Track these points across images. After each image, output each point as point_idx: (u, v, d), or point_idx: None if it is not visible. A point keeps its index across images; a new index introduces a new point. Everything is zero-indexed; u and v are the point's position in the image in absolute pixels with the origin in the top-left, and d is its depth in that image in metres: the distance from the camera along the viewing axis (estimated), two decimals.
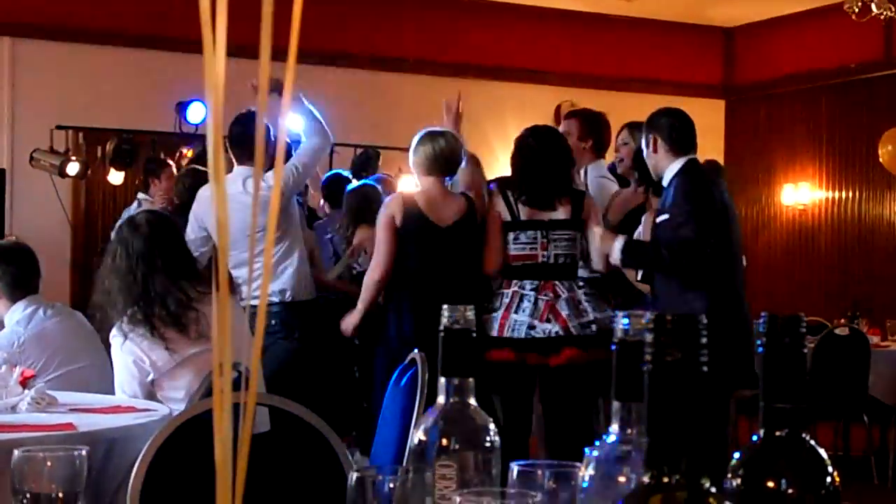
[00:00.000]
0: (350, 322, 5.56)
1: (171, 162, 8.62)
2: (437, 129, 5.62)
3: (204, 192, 5.97)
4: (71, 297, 9.69)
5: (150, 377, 3.89)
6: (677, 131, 5.13)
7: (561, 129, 6.22)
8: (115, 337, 3.94)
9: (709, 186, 5.10)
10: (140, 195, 8.33)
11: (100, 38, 10.04)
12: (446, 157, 5.45)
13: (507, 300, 5.36)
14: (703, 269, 4.96)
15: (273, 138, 6.25)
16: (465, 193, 5.54)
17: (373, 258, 5.51)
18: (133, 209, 8.00)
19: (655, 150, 5.15)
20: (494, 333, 5.32)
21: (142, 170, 8.80)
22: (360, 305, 5.50)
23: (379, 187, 7.20)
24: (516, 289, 5.36)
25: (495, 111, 11.45)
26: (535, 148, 5.47)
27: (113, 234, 4.26)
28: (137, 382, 3.91)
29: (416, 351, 3.50)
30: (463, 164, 5.62)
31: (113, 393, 4.29)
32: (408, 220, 5.36)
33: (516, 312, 5.30)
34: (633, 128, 5.92)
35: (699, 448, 0.86)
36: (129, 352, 3.90)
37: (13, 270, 4.49)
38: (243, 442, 0.85)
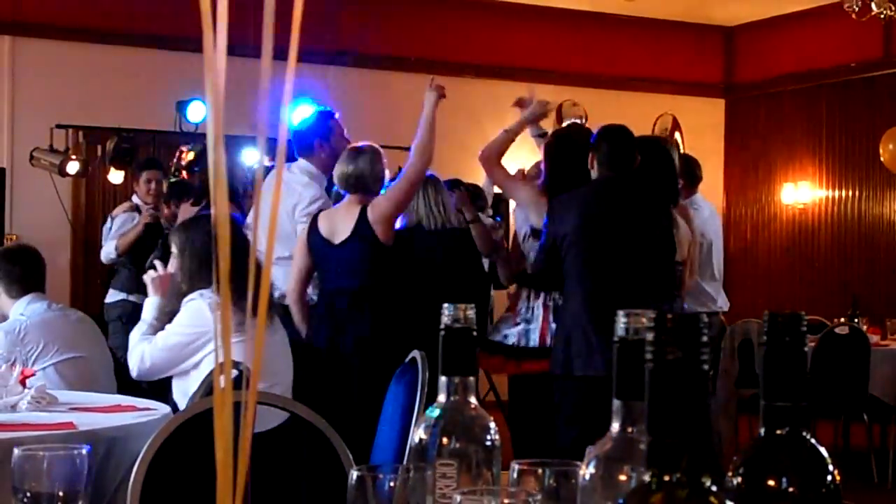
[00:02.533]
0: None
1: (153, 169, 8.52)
2: (361, 146, 5.59)
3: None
4: (71, 296, 9.70)
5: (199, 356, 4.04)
6: (610, 154, 5.17)
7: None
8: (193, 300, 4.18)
9: (557, 214, 5.17)
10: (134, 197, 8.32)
11: (100, 37, 10.04)
12: (357, 177, 5.39)
13: (540, 311, 5.39)
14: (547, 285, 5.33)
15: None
16: (365, 206, 5.52)
17: None
18: (119, 213, 8.06)
19: (592, 167, 5.21)
20: (535, 344, 5.35)
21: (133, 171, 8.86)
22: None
23: None
24: (546, 299, 5.40)
25: (496, 110, 11.44)
26: (563, 155, 5.52)
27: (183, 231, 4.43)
28: (183, 346, 4.11)
29: (416, 352, 3.50)
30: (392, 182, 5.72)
31: (109, 388, 4.34)
32: (311, 238, 5.42)
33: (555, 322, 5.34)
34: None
35: (700, 446, 0.86)
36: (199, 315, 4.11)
37: (17, 272, 4.59)
38: (244, 441, 0.85)
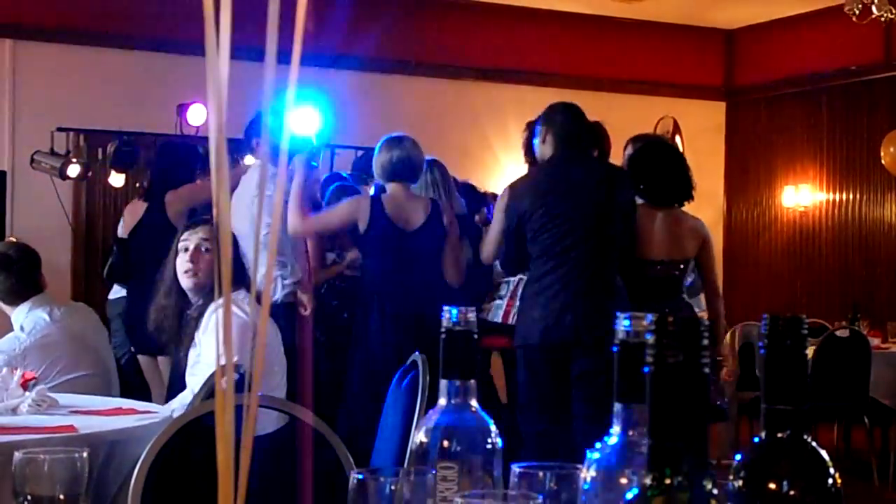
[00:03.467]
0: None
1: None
2: (398, 134, 5.67)
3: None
4: (72, 299, 9.69)
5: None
6: (564, 130, 5.27)
7: None
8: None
9: (504, 201, 5.33)
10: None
11: (101, 40, 10.04)
12: (405, 163, 5.50)
13: (511, 288, 5.49)
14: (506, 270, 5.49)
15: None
16: (432, 198, 5.61)
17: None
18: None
19: (543, 141, 5.32)
20: (499, 320, 5.46)
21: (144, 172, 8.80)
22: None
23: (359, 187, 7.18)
24: (521, 276, 5.51)
25: (497, 113, 11.46)
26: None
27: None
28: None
29: (417, 353, 3.50)
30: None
31: (113, 394, 4.30)
32: (373, 224, 5.41)
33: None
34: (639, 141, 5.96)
35: (701, 449, 0.87)
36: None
37: (12, 280, 4.47)
38: (245, 444, 0.85)
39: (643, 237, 5.36)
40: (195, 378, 3.90)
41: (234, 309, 3.87)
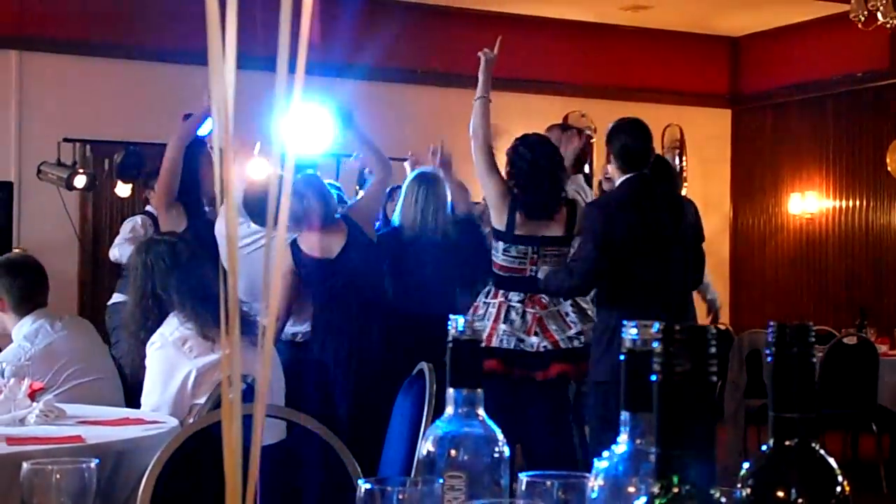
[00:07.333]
0: None
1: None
2: (302, 184, 5.54)
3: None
4: (78, 309, 9.70)
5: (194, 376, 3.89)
6: (627, 149, 5.16)
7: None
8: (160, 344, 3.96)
9: (612, 219, 5.07)
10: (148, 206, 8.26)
11: (107, 51, 10.06)
12: (303, 219, 5.47)
13: (493, 311, 5.41)
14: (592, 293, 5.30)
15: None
16: (345, 216, 5.56)
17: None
18: (139, 220, 7.93)
19: (609, 161, 5.27)
20: (482, 344, 5.40)
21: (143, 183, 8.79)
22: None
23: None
24: (503, 300, 5.42)
25: (504, 122, 11.44)
26: (528, 158, 5.50)
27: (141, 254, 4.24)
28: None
29: (423, 364, 3.50)
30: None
31: (118, 402, 4.30)
32: (298, 265, 5.45)
33: (504, 323, 5.35)
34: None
35: (709, 458, 0.86)
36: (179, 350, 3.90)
37: (20, 284, 4.46)
38: (253, 454, 0.85)
39: None
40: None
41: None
